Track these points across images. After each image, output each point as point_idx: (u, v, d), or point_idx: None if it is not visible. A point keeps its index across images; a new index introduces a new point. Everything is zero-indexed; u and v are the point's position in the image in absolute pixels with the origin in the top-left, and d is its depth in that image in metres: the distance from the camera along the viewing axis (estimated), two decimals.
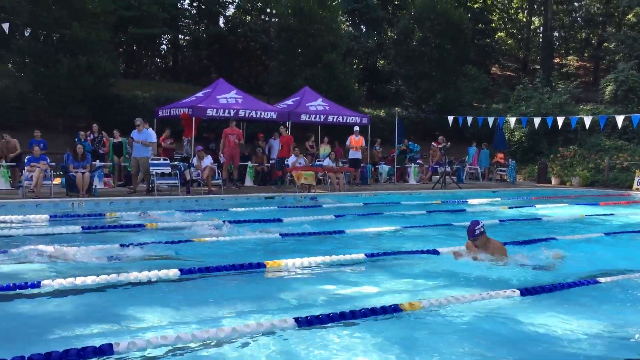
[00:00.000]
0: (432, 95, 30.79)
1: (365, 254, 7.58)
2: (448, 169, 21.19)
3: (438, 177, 20.76)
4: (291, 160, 17.89)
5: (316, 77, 26.38)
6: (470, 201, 15.51)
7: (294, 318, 4.66)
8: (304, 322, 4.66)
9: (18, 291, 5.47)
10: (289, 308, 5.32)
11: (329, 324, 4.73)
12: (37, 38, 22.95)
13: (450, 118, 23.06)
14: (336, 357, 4.16)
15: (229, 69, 34.06)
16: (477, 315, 5.24)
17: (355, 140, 19.87)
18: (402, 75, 33.22)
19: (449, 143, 21.68)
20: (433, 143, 23.41)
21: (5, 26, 20.01)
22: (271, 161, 19.65)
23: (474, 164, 24.46)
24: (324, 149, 20.43)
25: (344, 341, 4.47)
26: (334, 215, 11.99)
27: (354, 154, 19.91)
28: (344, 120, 20.95)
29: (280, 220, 11.08)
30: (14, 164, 16.22)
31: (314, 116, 20.34)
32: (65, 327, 4.69)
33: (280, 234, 9.28)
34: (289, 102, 21.36)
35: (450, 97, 30.36)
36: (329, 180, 17.85)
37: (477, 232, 7.03)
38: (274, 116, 19.35)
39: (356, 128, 20.05)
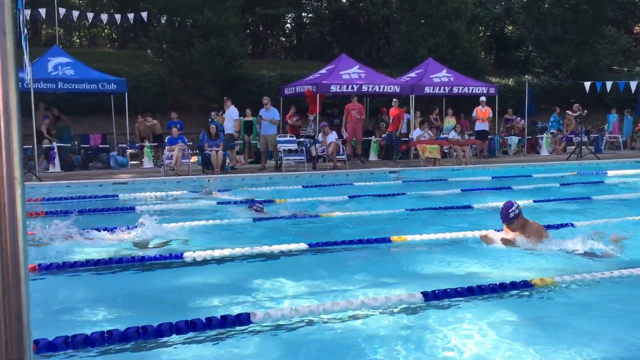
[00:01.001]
0: (566, 61, 28.89)
1: (496, 230, 7.37)
2: (584, 139, 19.87)
3: (573, 147, 19.57)
4: (416, 133, 17.69)
5: (440, 47, 25.73)
6: (610, 173, 14.47)
7: (421, 292, 4.67)
8: (431, 297, 4.66)
9: (163, 262, 5.96)
10: (415, 282, 5.32)
11: (457, 299, 4.69)
12: (172, 24, 24.39)
13: (587, 84, 21.52)
14: (464, 332, 4.13)
15: (351, 43, 34.14)
16: (611, 294, 4.94)
17: (482, 112, 19.21)
18: (532, 40, 31.45)
19: (585, 111, 20.29)
20: (568, 111, 22.03)
21: (144, 14, 21.47)
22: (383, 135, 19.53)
23: (614, 132, 22.73)
24: (449, 121, 19.97)
25: (471, 316, 4.41)
26: (461, 190, 11.74)
27: (481, 126, 19.27)
28: (470, 91, 20.29)
29: (404, 194, 11.05)
30: (157, 144, 17.51)
31: (438, 88, 19.89)
32: (206, 297, 5.05)
33: (406, 209, 9.26)
34: (412, 74, 21.04)
35: (586, 62, 28.31)
36: (455, 154, 17.45)
37: (512, 214, 6.22)
38: (397, 90, 19.18)
39: (482, 98, 19.36)
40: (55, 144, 16.06)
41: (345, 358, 3.74)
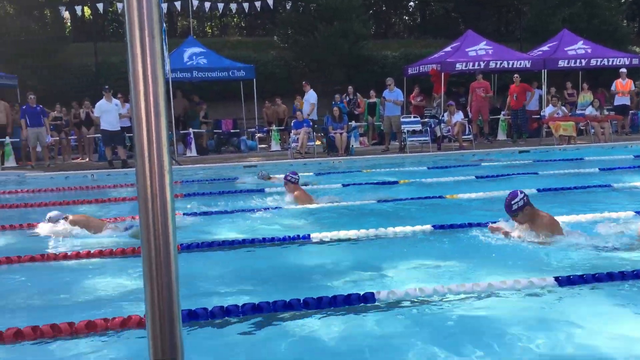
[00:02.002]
0: None
1: (636, 212, 6.86)
2: None
3: None
4: (548, 110, 16.77)
5: (575, 18, 24.05)
6: None
7: (554, 277, 4.49)
8: (564, 282, 4.46)
9: (291, 242, 6.20)
10: (543, 266, 5.11)
11: (593, 285, 4.45)
12: (297, 10, 24.92)
13: None
14: (600, 319, 3.92)
15: (477, 19, 32.85)
16: None
17: (622, 84, 17.76)
18: None
19: None
20: None
21: (270, 1, 22.07)
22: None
23: None
24: (584, 96, 18.67)
25: (609, 304, 4.18)
26: (598, 169, 11.00)
27: (621, 100, 17.84)
28: (609, 63, 18.83)
29: (535, 174, 10.57)
30: (283, 127, 18.08)
31: (573, 61, 18.67)
32: (331, 275, 5.19)
33: (537, 190, 8.87)
34: (545, 48, 19.90)
35: None
36: (592, 131, 16.32)
37: (515, 206, 5.57)
38: (528, 65, 18.25)
39: (622, 70, 17.88)
40: (191, 130, 17.10)
41: (467, 339, 3.70)
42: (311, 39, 23.29)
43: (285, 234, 6.38)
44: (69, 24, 30.85)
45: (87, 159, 16.58)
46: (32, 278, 5.36)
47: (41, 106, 15.48)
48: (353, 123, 17.42)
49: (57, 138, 16.62)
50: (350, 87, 19.08)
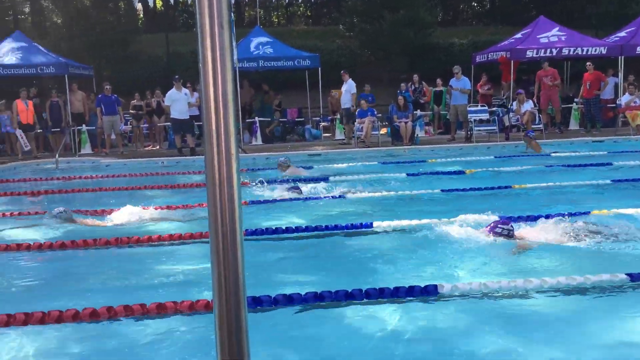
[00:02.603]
0: None
1: None
2: None
3: None
4: (624, 99, 16.00)
5: None
6: None
7: (626, 273, 4.31)
8: (638, 278, 4.28)
9: (354, 230, 6.22)
10: (614, 261, 4.91)
11: None
12: None
13: None
14: None
15: (549, 3, 31.63)
16: None
17: None
18: None
19: None
20: None
21: None
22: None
23: None
24: None
25: None
26: None
27: None
28: None
29: (609, 165, 10.16)
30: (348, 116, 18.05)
31: None
32: (389, 265, 5.17)
33: (611, 180, 8.52)
34: (622, 33, 18.94)
35: None
36: None
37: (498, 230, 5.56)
38: (604, 51, 17.44)
39: None
40: (257, 119, 17.36)
41: (535, 335, 3.61)
42: (376, 27, 23.11)
43: (348, 222, 6.39)
44: (141, 15, 31.85)
45: (158, 147, 17.14)
46: (107, 261, 5.61)
47: (116, 95, 16.12)
48: (418, 112, 17.20)
49: (135, 126, 17.26)
50: (415, 75, 18.82)
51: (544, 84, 16.38)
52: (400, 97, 15.86)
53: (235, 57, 14.84)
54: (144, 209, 7.39)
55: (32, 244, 5.96)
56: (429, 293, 4.19)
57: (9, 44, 17.50)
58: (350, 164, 11.72)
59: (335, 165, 11.82)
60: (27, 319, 3.84)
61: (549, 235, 5.58)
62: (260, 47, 18.16)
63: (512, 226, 5.67)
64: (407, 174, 10.17)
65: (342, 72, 16.81)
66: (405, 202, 7.89)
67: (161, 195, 9.16)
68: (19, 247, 5.88)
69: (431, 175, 10.14)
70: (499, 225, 5.62)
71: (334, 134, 17.96)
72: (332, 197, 8.13)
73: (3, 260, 5.62)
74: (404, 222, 6.23)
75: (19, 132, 15.17)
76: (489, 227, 5.65)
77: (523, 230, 5.78)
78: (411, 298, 4.16)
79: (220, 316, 1.26)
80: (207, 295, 4.09)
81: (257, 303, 4.02)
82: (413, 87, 18.35)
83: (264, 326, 3.86)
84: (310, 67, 18.42)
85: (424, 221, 6.22)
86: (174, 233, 6.13)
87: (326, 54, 21.99)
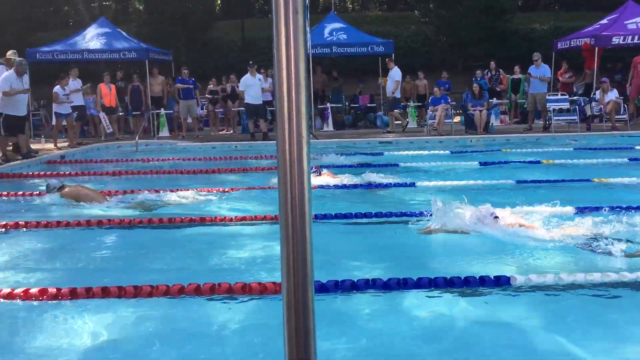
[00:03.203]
0: None
1: None
2: None
3: None
4: None
5: None
6: None
7: None
8: None
9: (423, 218, 6.14)
10: None
11: None
12: None
13: None
14: None
15: None
16: None
17: None
18: None
19: None
20: None
21: None
22: None
23: None
24: None
25: None
26: None
27: None
28: None
29: None
30: (421, 104, 17.82)
31: None
32: (458, 255, 5.08)
33: None
34: None
35: None
36: None
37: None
38: None
39: None
40: (328, 105, 17.41)
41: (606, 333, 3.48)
42: (453, 12, 22.59)
43: (417, 210, 6.33)
44: (219, 1, 32.50)
45: (232, 131, 17.52)
46: (179, 240, 5.80)
47: (193, 79, 16.59)
48: (494, 100, 16.74)
49: (211, 110, 17.72)
50: (492, 62, 18.30)
51: (637, 71, 15.52)
52: (475, 85, 15.48)
53: (308, 43, 14.90)
54: (214, 190, 7.62)
55: (111, 220, 6.26)
56: (501, 284, 4.10)
57: (94, 30, 18.30)
58: (421, 152, 11.57)
59: (405, 152, 11.70)
60: (105, 293, 4.05)
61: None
62: (334, 33, 18.16)
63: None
64: (480, 163, 9.95)
65: (387, 60, 16.56)
66: (476, 192, 7.72)
67: (233, 178, 9.37)
68: (99, 223, 6.19)
69: (505, 164, 9.87)
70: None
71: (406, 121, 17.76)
72: (402, 184, 8.08)
73: (84, 236, 5.93)
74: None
75: (102, 115, 15.89)
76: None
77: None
78: (482, 289, 4.08)
79: (288, 297, 1.28)
80: (275, 277, 4.17)
81: (323, 290, 4.06)
82: (489, 75, 17.85)
83: (327, 311, 3.89)
84: (383, 54, 18.26)
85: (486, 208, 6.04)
86: (245, 215, 6.27)
87: (400, 40, 21.73)
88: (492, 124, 15.27)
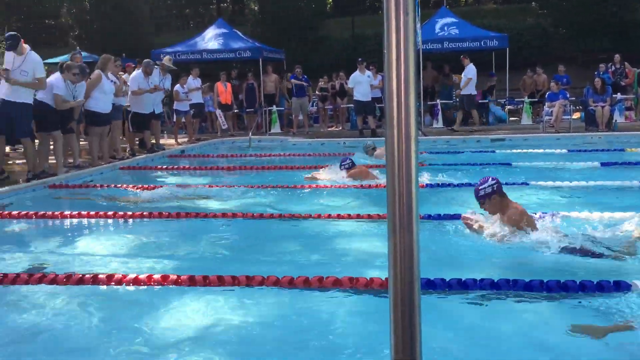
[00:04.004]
0: None
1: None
2: None
3: None
4: None
5: None
6: None
7: None
8: None
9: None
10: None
11: None
12: None
13: None
14: None
15: None
16: None
17: None
18: None
19: None
20: None
21: None
22: None
23: None
24: None
25: None
26: None
27: None
28: None
29: None
30: (536, 99, 17.06)
31: None
32: (568, 259, 4.83)
33: None
34: None
35: None
36: None
37: (481, 192, 5.09)
38: None
39: None
40: (438, 101, 17.12)
41: None
42: (573, 3, 21.39)
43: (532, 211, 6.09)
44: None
45: (341, 128, 17.71)
46: (290, 232, 5.99)
47: (306, 77, 16.95)
48: (618, 95, 15.68)
49: (321, 107, 18.04)
50: (617, 55, 17.13)
51: None
52: (597, 79, 14.59)
53: (419, 39, 14.75)
54: (321, 186, 7.79)
55: (226, 213, 6.58)
56: (619, 290, 3.88)
57: (212, 31, 19.21)
58: (536, 151, 11.09)
59: (519, 150, 11.26)
60: (220, 282, 4.27)
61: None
62: (446, 28, 17.83)
63: (494, 179, 5.10)
64: (601, 163, 9.37)
65: (462, 56, 15.84)
66: (596, 194, 7.30)
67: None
68: (215, 215, 6.52)
69: (629, 165, 9.24)
70: (479, 188, 5.11)
71: (520, 117, 17.09)
72: (514, 184, 7.80)
73: (202, 227, 6.27)
74: (595, 215, 5.77)
75: (218, 112, 16.65)
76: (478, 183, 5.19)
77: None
78: (599, 294, 3.88)
79: (395, 293, 1.31)
80: (380, 274, 4.20)
81: (430, 286, 4.03)
82: (613, 68, 16.73)
83: (433, 310, 3.86)
84: (497, 48, 17.68)
85: (616, 215, 5.71)
86: (352, 213, 6.35)
87: (515, 34, 20.90)
88: (616, 120, 14.33)
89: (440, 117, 16.89)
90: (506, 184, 7.72)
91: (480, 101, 17.85)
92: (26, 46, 8.74)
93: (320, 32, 25.05)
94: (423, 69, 16.58)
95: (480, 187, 5.14)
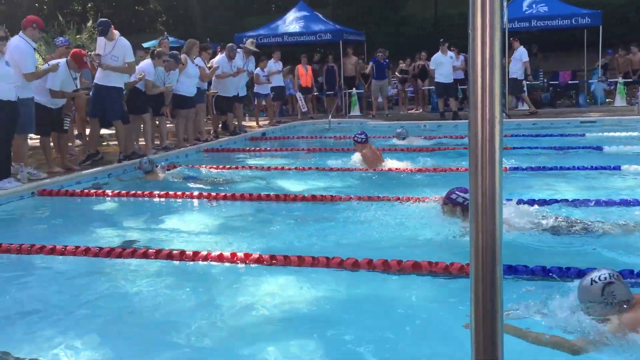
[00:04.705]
0: None
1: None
2: None
3: None
4: None
5: None
6: None
7: None
8: None
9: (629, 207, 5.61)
10: None
11: None
12: None
13: None
14: None
15: None
16: None
17: None
18: None
19: None
20: None
21: None
22: None
23: None
24: None
25: None
26: None
27: None
28: None
29: None
30: (632, 80, 16.10)
31: None
32: None
33: None
34: None
35: None
36: None
37: (453, 197, 5.06)
38: None
39: None
40: (524, 82, 16.48)
41: None
42: None
43: (621, 198, 5.80)
44: None
45: (421, 110, 17.44)
46: (365, 213, 5.96)
47: (387, 60, 16.79)
48: None
49: (401, 89, 17.85)
50: None
51: None
52: None
53: (505, 18, 14.24)
54: (397, 169, 7.78)
55: (297, 195, 6.67)
56: None
57: (293, 14, 19.34)
58: (631, 134, 10.49)
59: (611, 133, 10.69)
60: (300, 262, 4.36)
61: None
62: (534, 5, 17.06)
63: None
64: None
65: (511, 39, 14.96)
66: None
67: (418, 158, 9.35)
68: (285, 197, 6.62)
69: None
70: (457, 192, 5.01)
71: (614, 99, 16.20)
72: (604, 168, 7.44)
73: (277, 209, 6.39)
74: None
75: (298, 95, 16.82)
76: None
77: None
78: None
79: (476, 278, 1.30)
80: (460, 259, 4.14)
81: (513, 272, 3.94)
82: None
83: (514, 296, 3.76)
84: (589, 25, 16.77)
85: None
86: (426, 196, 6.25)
87: (610, 10, 19.72)
88: None
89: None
90: (596, 168, 7.43)
91: (569, 82, 17.07)
92: (116, 32, 9.13)
93: (402, 12, 24.66)
94: (509, 49, 15.99)
95: (456, 193, 5.07)
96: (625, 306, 2.85)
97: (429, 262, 4.14)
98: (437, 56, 14.94)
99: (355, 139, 8.45)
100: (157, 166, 8.22)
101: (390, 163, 8.19)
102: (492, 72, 1.21)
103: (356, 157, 8.40)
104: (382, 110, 16.78)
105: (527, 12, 16.93)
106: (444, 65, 14.78)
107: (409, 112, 17.41)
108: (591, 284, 2.90)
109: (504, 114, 13.29)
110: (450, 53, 15.09)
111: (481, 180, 1.25)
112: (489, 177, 1.24)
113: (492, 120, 1.22)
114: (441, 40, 15.40)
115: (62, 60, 8.53)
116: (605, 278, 2.86)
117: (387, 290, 4.05)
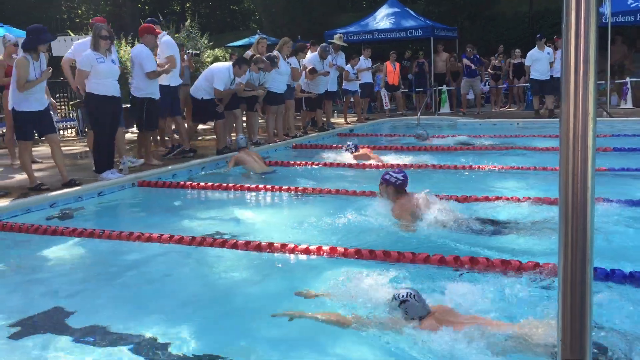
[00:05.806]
0: None
1: None
2: None
3: None
4: None
5: None
6: None
7: None
8: None
9: None
10: None
11: None
12: None
13: None
14: None
15: None
16: None
17: None
18: None
19: None
20: None
21: None
22: None
23: None
24: None
25: None
26: None
27: None
28: None
29: None
30: None
31: None
32: None
33: None
34: None
35: None
36: None
37: (386, 177, 5.40)
38: None
39: None
40: (628, 79, 15.59)
41: None
42: None
43: None
44: None
45: (516, 108, 16.90)
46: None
47: (478, 56, 16.39)
48: None
49: (493, 87, 17.37)
50: None
51: None
52: None
53: (608, 10, 13.54)
54: (486, 167, 7.61)
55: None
56: None
57: (384, 10, 19.27)
58: None
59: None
60: (414, 258, 4.38)
61: None
62: None
63: (404, 177, 5.29)
64: None
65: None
66: None
67: (510, 157, 9.09)
68: (372, 193, 6.61)
69: None
70: (390, 172, 5.35)
71: None
72: None
73: (353, 202, 6.41)
74: None
75: (383, 92, 16.76)
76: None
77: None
78: None
79: (564, 277, 1.28)
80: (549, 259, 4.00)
81: (605, 276, 3.78)
82: None
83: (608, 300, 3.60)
84: None
85: None
86: (522, 196, 6.09)
87: None
88: None
89: (629, 96, 15.38)
90: None
91: None
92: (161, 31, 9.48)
93: (496, 7, 23.93)
94: (612, 44, 15.15)
95: (385, 174, 5.42)
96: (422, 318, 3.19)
97: (519, 261, 4.03)
98: (533, 52, 14.41)
99: (349, 149, 9.12)
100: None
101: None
102: (586, 71, 1.19)
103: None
104: (474, 108, 16.39)
105: (632, 5, 15.96)
106: (540, 61, 14.24)
107: (502, 110, 16.91)
108: (392, 299, 3.29)
109: (605, 113, 12.71)
110: (547, 49, 14.50)
111: (572, 180, 1.23)
112: (580, 176, 1.22)
113: (585, 117, 1.20)
114: (538, 35, 14.84)
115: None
116: (403, 296, 3.22)
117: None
